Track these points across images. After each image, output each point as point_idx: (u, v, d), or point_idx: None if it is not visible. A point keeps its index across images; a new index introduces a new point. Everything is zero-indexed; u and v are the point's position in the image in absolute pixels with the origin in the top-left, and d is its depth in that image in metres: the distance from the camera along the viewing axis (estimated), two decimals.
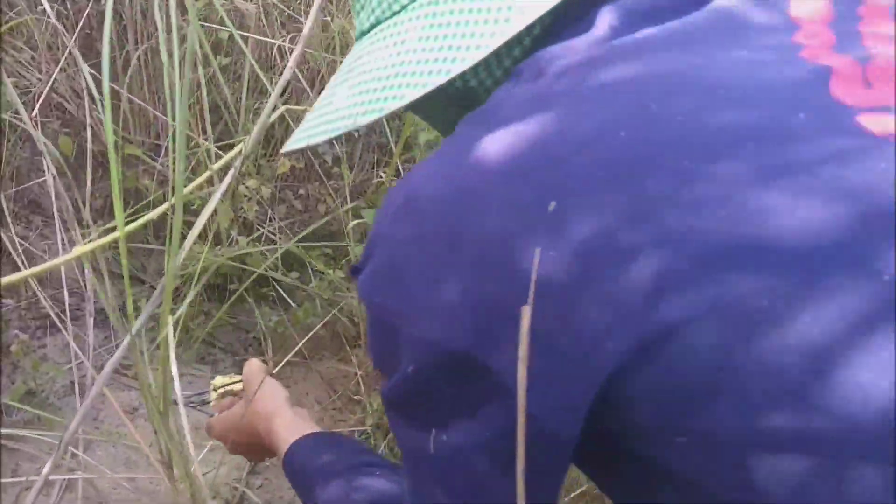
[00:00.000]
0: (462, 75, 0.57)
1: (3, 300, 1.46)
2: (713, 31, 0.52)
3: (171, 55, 0.81)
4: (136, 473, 1.37)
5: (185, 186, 0.90)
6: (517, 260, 0.45)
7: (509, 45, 0.57)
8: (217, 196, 0.93)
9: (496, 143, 0.48)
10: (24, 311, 1.50)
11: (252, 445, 0.98)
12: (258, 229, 1.84)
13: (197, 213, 0.90)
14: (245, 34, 1.80)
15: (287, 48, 1.85)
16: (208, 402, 1.12)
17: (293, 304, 1.76)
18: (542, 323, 0.44)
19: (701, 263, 0.42)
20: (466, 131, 0.53)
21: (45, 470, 0.88)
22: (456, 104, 0.63)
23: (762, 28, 0.51)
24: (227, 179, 1.00)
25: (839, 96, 0.45)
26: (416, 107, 0.63)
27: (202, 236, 1.67)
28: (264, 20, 1.89)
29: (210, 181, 1.08)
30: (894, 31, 0.49)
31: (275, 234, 1.86)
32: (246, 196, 1.75)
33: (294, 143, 0.67)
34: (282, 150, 0.71)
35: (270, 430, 0.91)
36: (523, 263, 0.45)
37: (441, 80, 0.56)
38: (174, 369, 0.82)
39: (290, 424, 0.89)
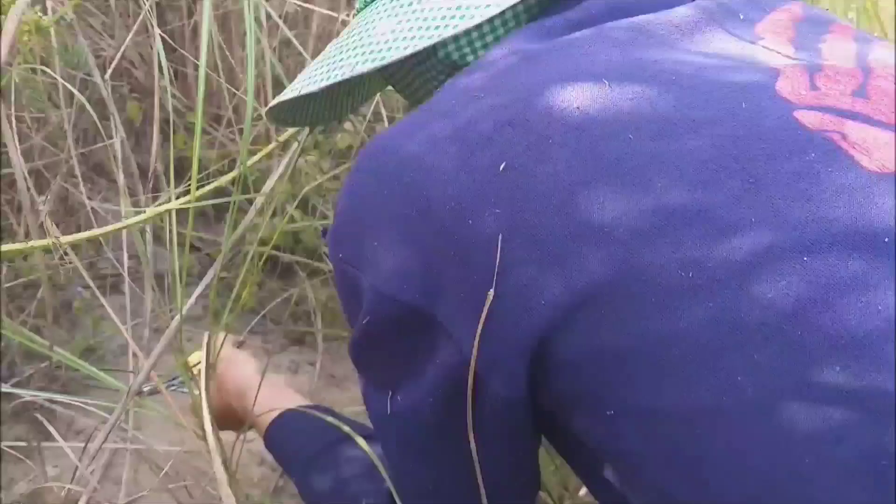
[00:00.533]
0: (457, 45, 0.62)
1: (67, 258, 1.49)
2: (680, 28, 0.56)
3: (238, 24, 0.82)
4: (186, 436, 1.40)
5: (233, 159, 0.92)
6: (464, 219, 0.48)
7: (504, 20, 0.62)
8: (282, 167, 0.94)
9: (460, 108, 0.51)
10: (86, 270, 1.53)
11: (233, 421, 0.99)
12: (314, 205, 1.85)
13: (255, 186, 0.91)
14: (310, 6, 1.81)
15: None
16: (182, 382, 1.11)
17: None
18: (484, 284, 0.47)
19: (633, 233, 0.45)
20: (438, 96, 0.56)
21: (102, 435, 0.90)
22: (445, 77, 0.66)
23: (727, 33, 0.56)
24: (292, 152, 1.01)
25: (782, 93, 0.49)
26: (408, 83, 0.68)
27: (261, 209, 1.69)
28: None
29: (271, 154, 1.09)
30: (854, 48, 0.54)
31: (329, 210, 1.87)
32: (305, 171, 1.76)
33: (286, 94, 0.71)
34: (270, 104, 0.74)
35: (245, 408, 0.92)
36: (468, 222, 0.47)
37: (432, 41, 0.59)
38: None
39: (263, 402, 0.89)
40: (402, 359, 0.54)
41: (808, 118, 0.47)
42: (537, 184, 0.46)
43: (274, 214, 1.81)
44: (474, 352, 0.47)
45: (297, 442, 0.83)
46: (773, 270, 0.42)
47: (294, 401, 0.89)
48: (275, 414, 0.87)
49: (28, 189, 1.34)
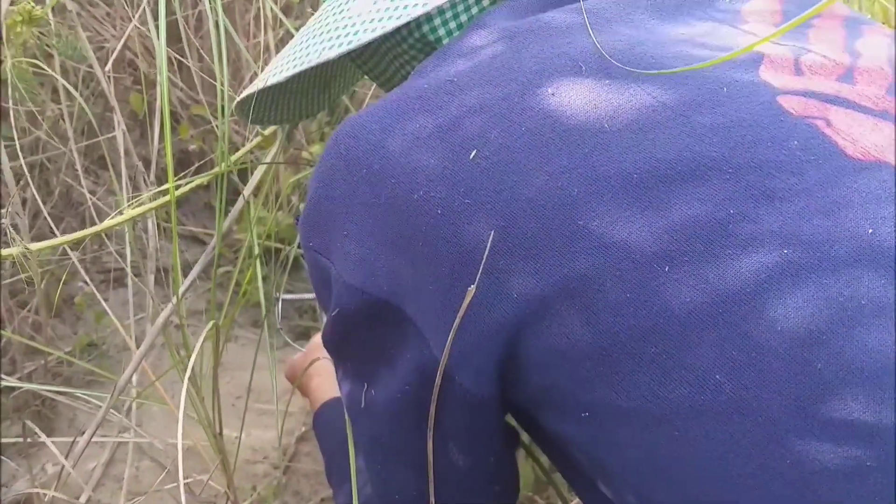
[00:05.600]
0: (430, 25, 0.60)
1: (70, 252, 1.48)
2: (662, 10, 0.54)
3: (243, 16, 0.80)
4: (187, 431, 1.38)
5: (236, 151, 0.90)
6: (445, 221, 0.46)
7: None
8: (269, 158, 0.91)
9: (443, 103, 0.49)
10: (88, 264, 1.52)
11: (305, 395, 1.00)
12: None
13: (262, 180, 0.89)
14: None
15: None
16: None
17: None
18: (455, 277, 0.45)
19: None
20: (410, 81, 0.55)
21: (91, 428, 0.88)
22: (421, 58, 0.64)
23: (711, 16, 0.54)
24: (276, 147, 0.98)
25: (766, 78, 0.48)
26: (382, 69, 0.66)
27: (265, 202, 1.68)
28: None
29: (273, 145, 1.07)
30: (842, 34, 0.53)
31: None
32: (308, 162, 1.74)
33: (253, 86, 0.68)
34: (237, 98, 0.72)
35: (308, 387, 0.92)
36: (449, 223, 0.45)
37: (402, 21, 0.58)
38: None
39: (320, 386, 0.90)
40: (373, 351, 0.52)
41: (791, 103, 0.46)
42: (526, 191, 0.44)
43: (280, 208, 1.79)
44: (446, 349, 0.45)
45: (332, 428, 0.82)
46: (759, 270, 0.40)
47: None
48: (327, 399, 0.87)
49: (31, 186, 1.32)
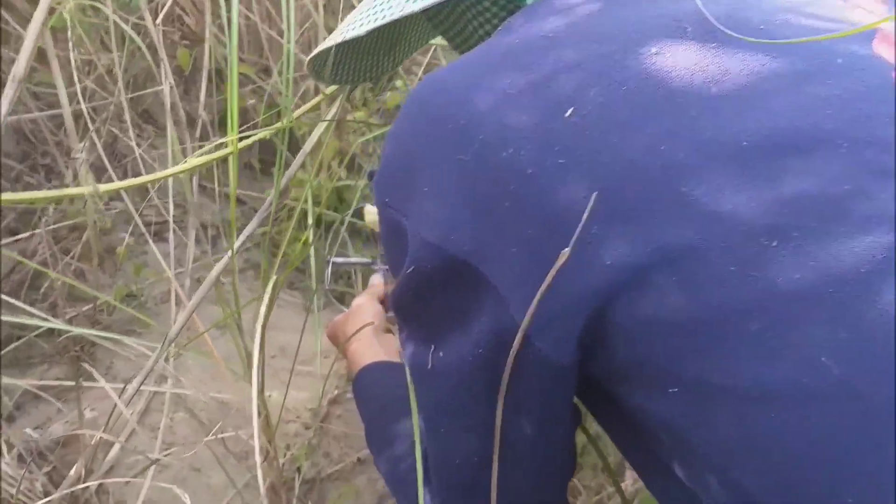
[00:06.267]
0: None
1: (112, 203, 1.49)
2: None
3: None
4: (222, 386, 1.39)
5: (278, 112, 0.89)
6: (536, 181, 0.44)
7: None
8: (327, 120, 0.90)
9: (536, 60, 0.47)
10: (129, 217, 1.53)
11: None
12: (360, 164, 1.82)
13: (302, 141, 0.88)
14: None
15: None
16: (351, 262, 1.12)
17: None
18: (543, 240, 0.43)
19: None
20: (496, 37, 0.53)
21: (141, 376, 0.89)
22: (501, 19, 0.62)
23: None
24: (336, 107, 0.97)
25: (880, 52, 0.46)
26: (460, 28, 0.64)
27: (304, 165, 1.68)
28: None
29: (318, 109, 1.06)
30: None
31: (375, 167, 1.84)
32: (353, 129, 1.73)
33: (330, 41, 0.66)
34: (313, 52, 0.70)
35: (347, 351, 0.90)
36: (541, 184, 0.43)
37: None
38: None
39: (358, 349, 0.88)
40: (446, 312, 0.50)
41: None
42: (627, 153, 0.42)
43: (319, 172, 1.79)
44: (529, 313, 0.43)
45: (372, 393, 0.81)
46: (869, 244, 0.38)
47: (384, 358, 0.87)
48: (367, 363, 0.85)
49: (76, 133, 1.32)
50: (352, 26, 0.64)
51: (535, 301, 0.43)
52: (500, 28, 0.54)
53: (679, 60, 0.44)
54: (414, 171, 0.49)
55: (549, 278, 0.42)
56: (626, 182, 0.42)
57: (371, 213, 1.03)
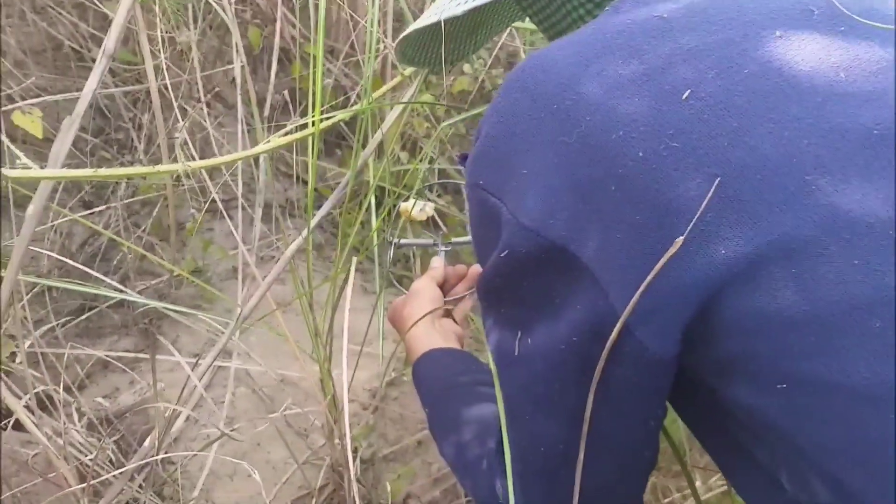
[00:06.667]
0: None
1: (182, 180, 1.52)
2: None
3: None
4: (284, 362, 1.41)
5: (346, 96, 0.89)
6: (629, 152, 0.42)
7: None
8: (401, 106, 0.90)
9: (651, 45, 0.45)
10: (197, 194, 1.55)
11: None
12: (420, 147, 1.82)
13: (364, 125, 0.88)
14: None
15: None
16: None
17: (443, 228, 1.75)
18: (651, 227, 0.41)
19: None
20: (605, 17, 0.51)
21: (214, 352, 0.90)
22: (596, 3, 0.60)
23: None
24: (414, 89, 0.97)
25: None
26: (552, 10, 0.62)
27: (364, 146, 1.68)
28: None
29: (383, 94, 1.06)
30: None
31: (436, 154, 1.84)
32: (417, 112, 1.73)
33: (423, 20, 0.65)
34: (406, 31, 0.69)
35: (406, 335, 0.89)
36: (629, 160, 0.42)
37: None
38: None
39: (417, 335, 0.86)
40: (538, 298, 0.48)
41: None
42: (747, 139, 0.40)
43: (380, 155, 1.79)
44: (631, 302, 0.41)
45: (433, 378, 0.80)
46: None
47: (442, 345, 0.86)
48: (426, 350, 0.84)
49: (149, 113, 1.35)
50: (447, 7, 0.63)
51: (640, 290, 0.41)
52: (607, 8, 0.52)
53: (805, 45, 0.43)
54: (513, 152, 0.48)
55: (658, 266, 0.40)
56: (746, 170, 0.40)
57: (408, 207, 1.03)
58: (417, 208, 1.04)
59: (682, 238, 0.39)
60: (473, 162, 0.51)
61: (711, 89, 0.42)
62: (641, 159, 0.41)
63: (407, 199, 1.05)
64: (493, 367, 0.55)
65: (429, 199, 1.03)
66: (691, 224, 0.39)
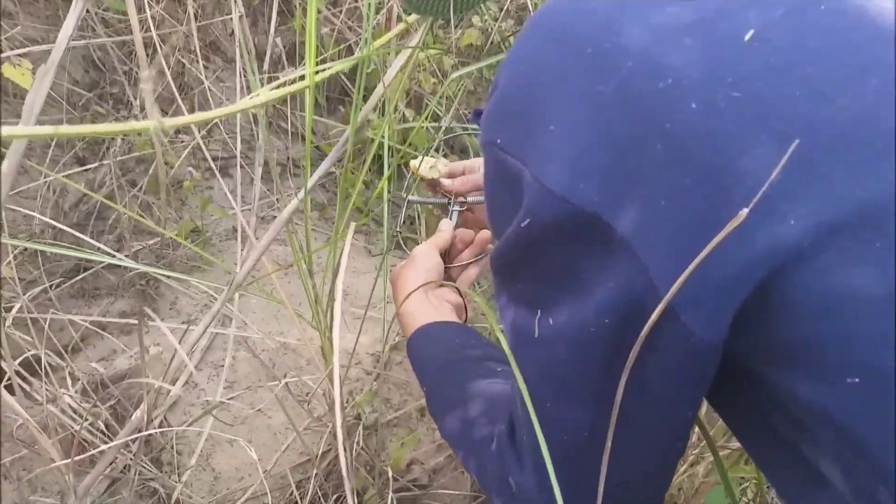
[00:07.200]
0: None
1: (180, 136, 1.46)
2: None
3: None
4: (284, 326, 1.38)
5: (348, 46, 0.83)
6: (678, 104, 0.36)
7: None
8: (404, 57, 0.84)
9: None
10: (196, 150, 1.50)
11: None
12: (427, 103, 1.76)
13: (369, 77, 0.82)
14: None
15: None
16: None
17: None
18: (705, 193, 0.36)
19: None
20: None
21: (206, 320, 0.86)
22: None
23: None
24: (419, 39, 0.91)
25: None
26: None
27: (365, 100, 1.62)
28: None
29: (387, 45, 1.00)
30: None
31: (443, 112, 1.78)
32: (422, 66, 1.67)
33: None
34: None
35: (399, 311, 0.84)
36: (679, 113, 0.36)
37: None
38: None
39: (410, 309, 0.80)
40: (563, 274, 0.43)
41: None
42: (823, 87, 0.34)
43: (383, 111, 1.73)
44: (679, 281, 0.35)
45: (428, 353, 0.75)
46: None
47: (437, 318, 0.81)
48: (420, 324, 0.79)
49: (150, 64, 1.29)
50: None
51: (690, 267, 0.35)
52: None
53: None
54: (537, 105, 0.41)
55: (715, 242, 0.34)
56: (821, 125, 0.34)
57: (424, 163, 0.96)
58: (427, 165, 0.97)
59: (746, 210, 0.32)
60: (489, 118, 0.45)
61: (780, 29, 0.36)
62: (694, 112, 0.35)
63: (416, 157, 0.99)
64: (506, 348, 0.50)
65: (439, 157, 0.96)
66: (761, 191, 0.32)
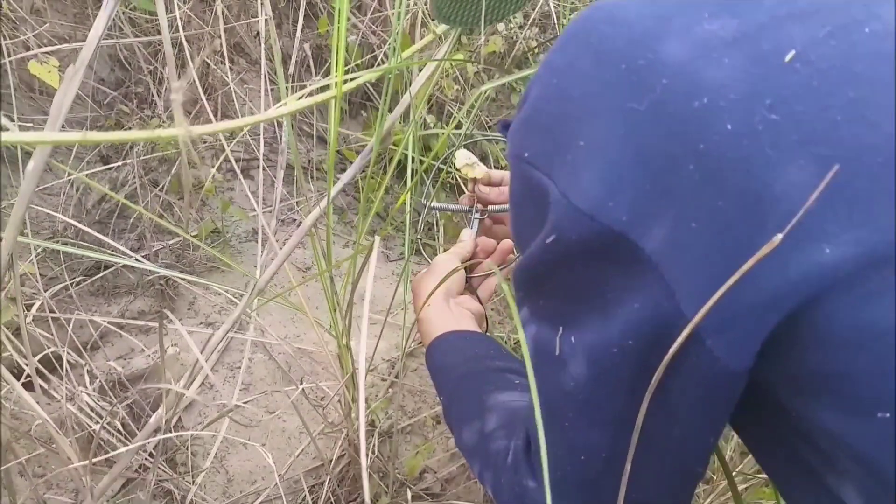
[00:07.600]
0: None
1: (202, 136, 1.47)
2: None
3: None
4: (301, 330, 1.38)
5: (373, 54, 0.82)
6: (714, 124, 0.35)
7: None
8: (436, 60, 0.84)
9: (746, 5, 0.38)
10: (218, 152, 1.51)
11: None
12: (449, 110, 1.76)
13: (391, 86, 0.82)
14: None
15: None
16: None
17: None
18: (738, 216, 0.34)
19: None
20: None
21: (226, 325, 0.86)
22: None
23: None
24: (447, 48, 0.91)
25: None
26: None
27: (391, 110, 1.62)
28: None
29: (420, 50, 0.99)
30: None
31: (465, 119, 1.77)
32: (446, 73, 1.66)
33: None
34: None
35: (419, 318, 0.83)
36: (714, 134, 0.35)
37: None
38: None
39: (430, 317, 0.79)
40: (587, 292, 0.42)
41: None
42: (867, 113, 0.33)
43: (406, 118, 1.73)
44: (706, 306, 0.34)
45: (447, 361, 0.75)
46: None
47: (457, 327, 0.80)
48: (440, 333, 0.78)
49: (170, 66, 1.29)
50: None
51: (718, 293, 0.34)
52: None
53: None
54: (568, 120, 0.40)
55: (747, 266, 0.33)
56: (863, 151, 0.33)
57: (463, 158, 0.95)
58: (464, 157, 0.95)
59: (781, 235, 0.32)
60: (518, 130, 0.44)
61: (824, 51, 0.34)
62: (729, 133, 0.34)
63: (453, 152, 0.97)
64: (528, 363, 0.49)
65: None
66: (797, 217, 0.31)
